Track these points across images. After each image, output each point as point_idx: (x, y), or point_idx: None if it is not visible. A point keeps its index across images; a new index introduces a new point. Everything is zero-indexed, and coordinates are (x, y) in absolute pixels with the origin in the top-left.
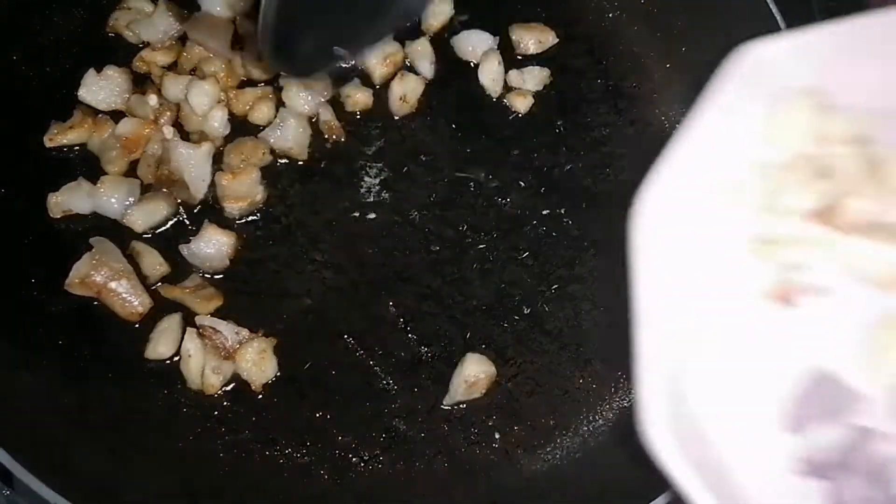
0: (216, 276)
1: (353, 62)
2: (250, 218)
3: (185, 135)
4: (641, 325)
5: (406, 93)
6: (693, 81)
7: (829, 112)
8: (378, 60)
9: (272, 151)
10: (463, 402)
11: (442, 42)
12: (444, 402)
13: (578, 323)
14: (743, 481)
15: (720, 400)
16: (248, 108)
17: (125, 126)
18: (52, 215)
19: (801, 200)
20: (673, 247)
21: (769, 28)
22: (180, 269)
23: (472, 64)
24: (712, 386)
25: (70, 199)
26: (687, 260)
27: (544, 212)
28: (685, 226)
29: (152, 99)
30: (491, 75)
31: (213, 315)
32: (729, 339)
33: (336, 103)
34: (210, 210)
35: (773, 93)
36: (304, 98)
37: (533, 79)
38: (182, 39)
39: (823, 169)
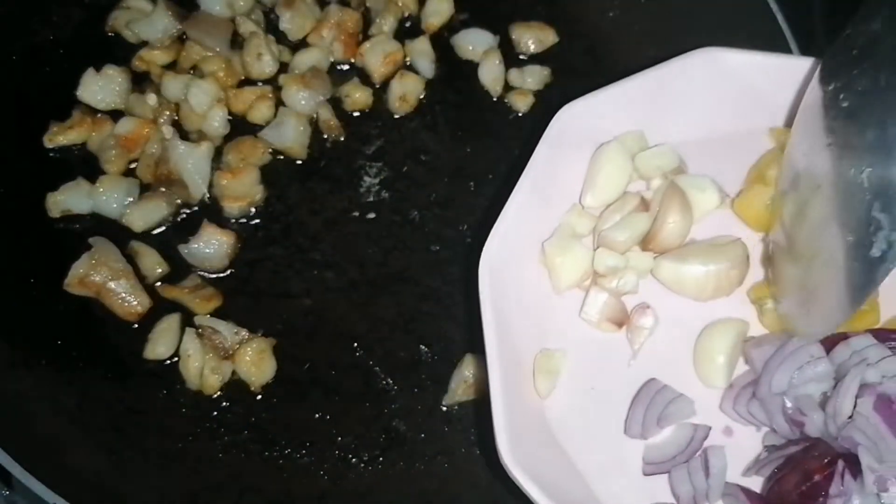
0: (215, 276)
1: None
2: (250, 217)
3: (184, 134)
4: (491, 366)
5: (406, 92)
6: None
7: (643, 153)
8: (378, 60)
9: (271, 151)
10: (463, 403)
11: (442, 41)
12: (444, 402)
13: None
14: (601, 488)
15: (574, 419)
16: (247, 107)
17: (124, 125)
18: (51, 215)
19: (623, 233)
20: (513, 292)
21: (769, 28)
22: (179, 269)
23: (472, 63)
24: (566, 408)
25: (69, 199)
26: (528, 299)
27: None
28: (522, 271)
29: (151, 98)
30: (491, 74)
31: (212, 315)
32: (575, 364)
33: (336, 103)
34: (209, 210)
35: (592, 142)
36: (303, 97)
37: (533, 78)
38: (181, 39)
39: (643, 202)
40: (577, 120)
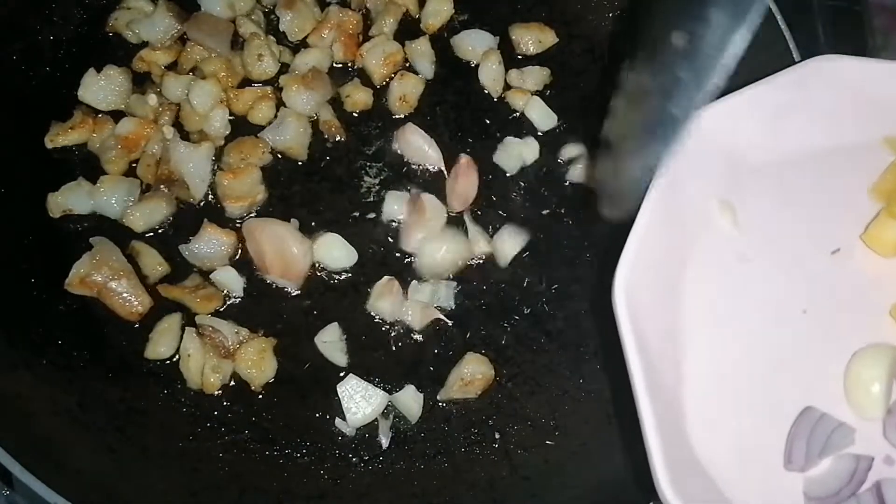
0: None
1: None
2: (250, 217)
3: (184, 134)
4: (640, 394)
5: (406, 93)
6: None
7: None
8: (378, 60)
9: (272, 151)
10: (463, 403)
11: (442, 42)
12: (439, 397)
13: (578, 323)
14: None
15: (726, 449)
16: (248, 107)
17: (125, 126)
18: (51, 215)
19: None
20: (648, 317)
21: (769, 27)
22: (180, 269)
23: (472, 64)
24: (717, 437)
25: (70, 199)
26: (663, 324)
27: (544, 212)
28: (656, 294)
29: (152, 98)
30: (491, 75)
31: (213, 315)
32: (725, 392)
33: (336, 103)
34: (210, 210)
35: (716, 153)
36: (304, 98)
37: (533, 78)
38: (182, 39)
39: None
40: (699, 130)
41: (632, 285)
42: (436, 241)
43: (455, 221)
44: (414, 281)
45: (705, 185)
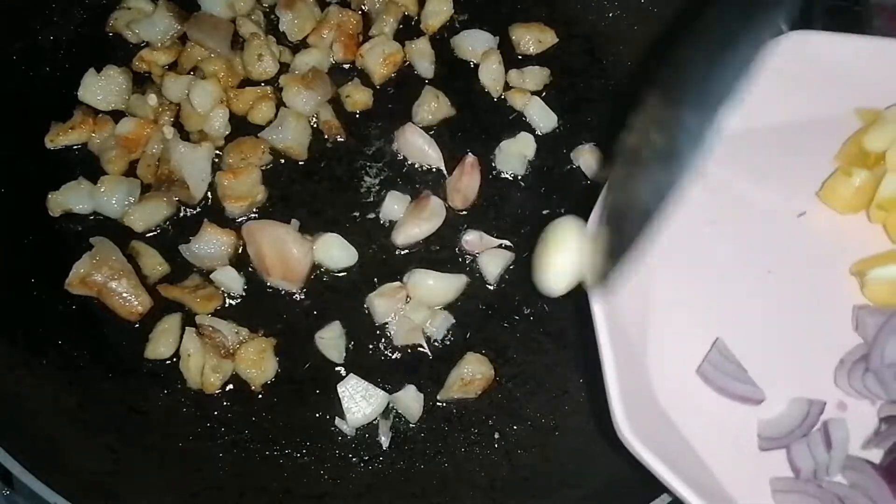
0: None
1: None
2: (251, 218)
3: (184, 134)
4: (602, 342)
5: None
6: None
7: None
8: (378, 60)
9: (272, 151)
10: (457, 400)
11: (442, 42)
12: (439, 397)
13: (578, 323)
14: (716, 463)
15: (684, 394)
16: (248, 107)
17: (125, 126)
18: (51, 214)
19: None
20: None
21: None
22: (180, 269)
23: (472, 64)
24: (676, 384)
25: (70, 199)
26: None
27: (544, 212)
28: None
29: (152, 99)
30: (491, 75)
31: (213, 315)
32: (690, 348)
33: (336, 103)
34: (210, 210)
35: None
36: (304, 98)
37: (533, 78)
38: (182, 39)
39: None
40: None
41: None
42: (429, 274)
43: (455, 221)
44: (414, 300)
45: None
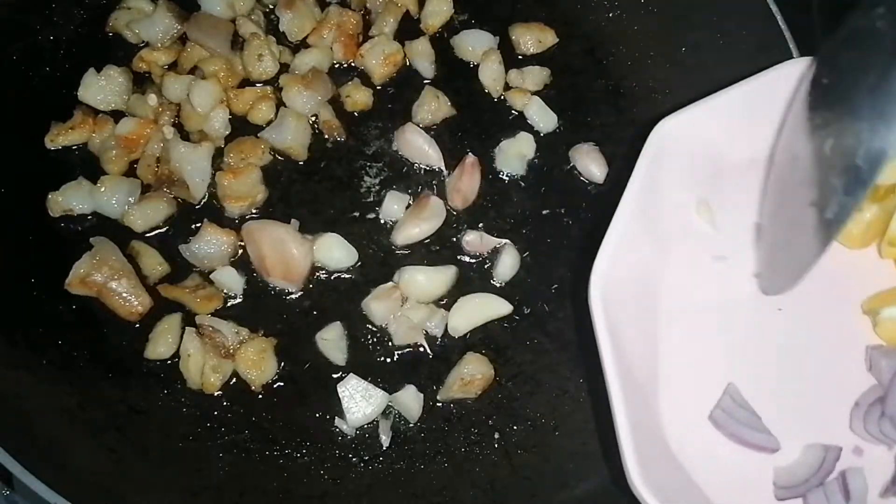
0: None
1: None
2: (251, 217)
3: (184, 134)
4: (613, 391)
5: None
6: (693, 81)
7: None
8: (378, 60)
9: (272, 151)
10: (457, 400)
11: (442, 42)
12: (439, 397)
13: (578, 323)
14: None
15: (695, 440)
16: (248, 107)
17: (125, 126)
18: (52, 215)
19: None
20: (624, 316)
21: (769, 27)
22: (180, 269)
23: (472, 64)
24: (687, 430)
25: (70, 199)
26: (641, 324)
27: (544, 212)
28: (632, 294)
29: (152, 99)
30: (491, 75)
31: (213, 315)
32: (700, 391)
33: (336, 103)
34: (210, 210)
35: (690, 156)
36: (304, 98)
37: (533, 78)
38: (182, 39)
39: None
40: (674, 135)
41: (608, 283)
42: (419, 270)
43: (455, 221)
44: (411, 299)
45: (682, 186)
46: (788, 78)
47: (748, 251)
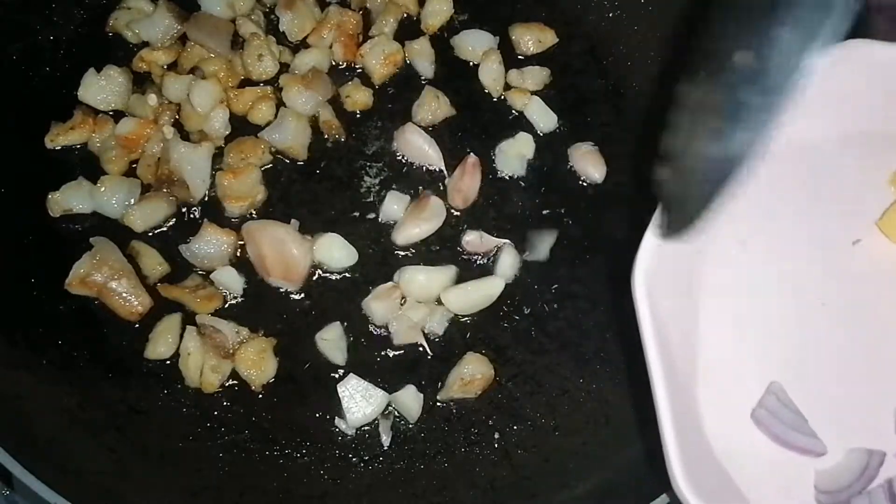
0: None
1: None
2: (251, 217)
3: (184, 134)
4: (658, 391)
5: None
6: None
7: None
8: (378, 60)
9: (272, 151)
10: (457, 400)
11: (442, 42)
12: (439, 397)
13: (578, 323)
14: None
15: (742, 445)
16: (248, 107)
17: (125, 126)
18: (52, 214)
19: None
20: (667, 312)
21: None
22: (180, 269)
23: (472, 64)
24: (733, 433)
25: (70, 199)
26: (681, 323)
27: (544, 212)
28: (674, 287)
29: (152, 99)
30: (491, 75)
31: (213, 315)
32: (740, 387)
33: (336, 103)
34: (210, 209)
35: None
36: (304, 98)
37: (533, 78)
38: (182, 39)
39: None
40: None
41: (650, 279)
42: (419, 269)
43: (455, 221)
44: (410, 299)
45: None
46: (849, 59)
47: (791, 243)
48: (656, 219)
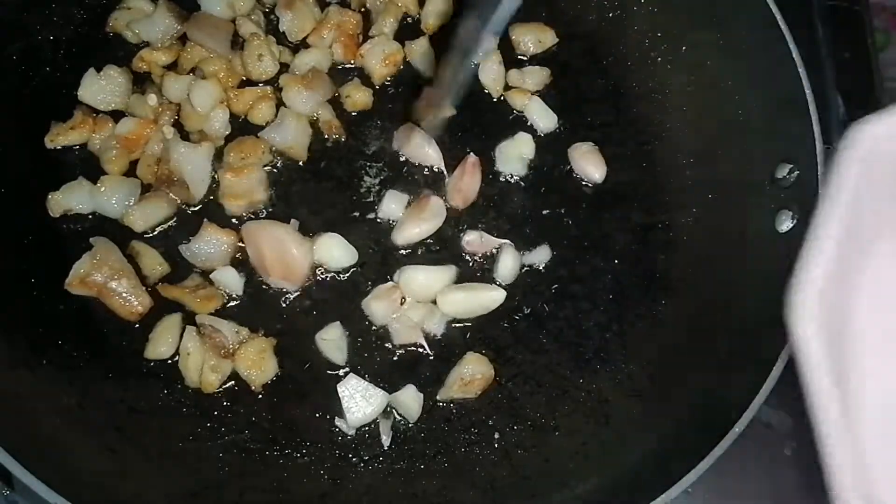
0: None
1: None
2: (250, 217)
3: (184, 134)
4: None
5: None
6: (693, 81)
7: None
8: (378, 60)
9: (272, 151)
10: (457, 400)
11: (442, 42)
12: (439, 397)
13: (578, 323)
14: None
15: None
16: (248, 107)
17: (125, 126)
18: (52, 214)
19: None
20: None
21: (769, 28)
22: (180, 269)
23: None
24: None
25: (70, 199)
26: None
27: (544, 212)
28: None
29: (152, 99)
30: (491, 75)
31: (213, 315)
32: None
33: (336, 103)
34: (210, 209)
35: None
36: (304, 98)
37: (533, 78)
38: (182, 39)
39: None
40: (884, 143)
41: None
42: (419, 269)
43: (455, 221)
44: (410, 299)
45: (883, 191)
46: None
47: None
48: (820, 246)
